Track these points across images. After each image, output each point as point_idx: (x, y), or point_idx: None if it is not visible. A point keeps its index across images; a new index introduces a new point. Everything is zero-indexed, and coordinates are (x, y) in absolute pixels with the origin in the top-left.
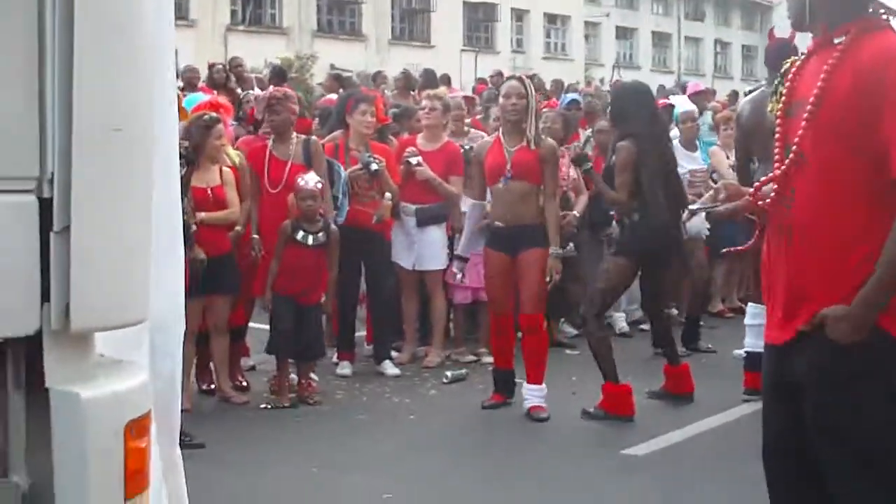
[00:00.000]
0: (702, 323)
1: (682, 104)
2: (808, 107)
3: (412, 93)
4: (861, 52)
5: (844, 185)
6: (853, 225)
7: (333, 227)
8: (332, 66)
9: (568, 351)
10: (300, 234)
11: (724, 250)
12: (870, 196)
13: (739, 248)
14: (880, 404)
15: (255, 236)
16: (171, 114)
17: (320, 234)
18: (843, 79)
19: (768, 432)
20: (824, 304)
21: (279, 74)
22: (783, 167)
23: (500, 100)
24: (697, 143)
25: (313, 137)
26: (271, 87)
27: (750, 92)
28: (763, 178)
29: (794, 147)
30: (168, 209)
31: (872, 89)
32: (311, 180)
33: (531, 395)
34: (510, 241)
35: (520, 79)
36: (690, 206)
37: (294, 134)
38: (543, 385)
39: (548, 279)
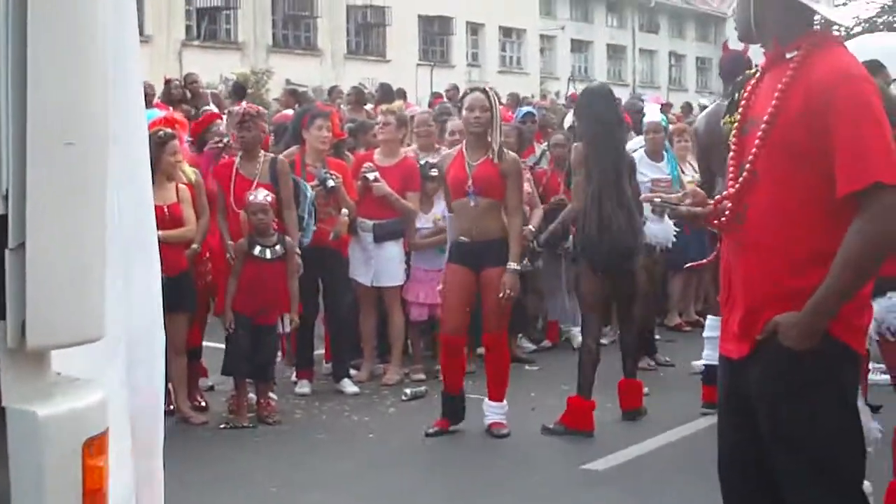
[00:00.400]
0: (657, 336)
1: (649, 114)
2: (762, 125)
3: (367, 107)
4: (812, 70)
5: (797, 202)
6: (807, 242)
7: (289, 238)
8: (288, 81)
9: (527, 367)
10: (257, 250)
11: (687, 265)
12: (822, 212)
13: (700, 262)
14: (833, 411)
15: (230, 242)
16: (139, 123)
17: (278, 247)
18: (795, 98)
19: (724, 444)
20: None
21: (239, 90)
22: (737, 185)
23: (464, 112)
24: (664, 153)
25: (280, 157)
26: (244, 104)
27: (705, 107)
28: (718, 196)
29: (748, 165)
30: (139, 219)
31: (822, 109)
32: (259, 194)
33: (492, 412)
34: (474, 257)
35: (484, 91)
36: (654, 199)
37: (262, 153)
38: (505, 402)
39: (502, 295)
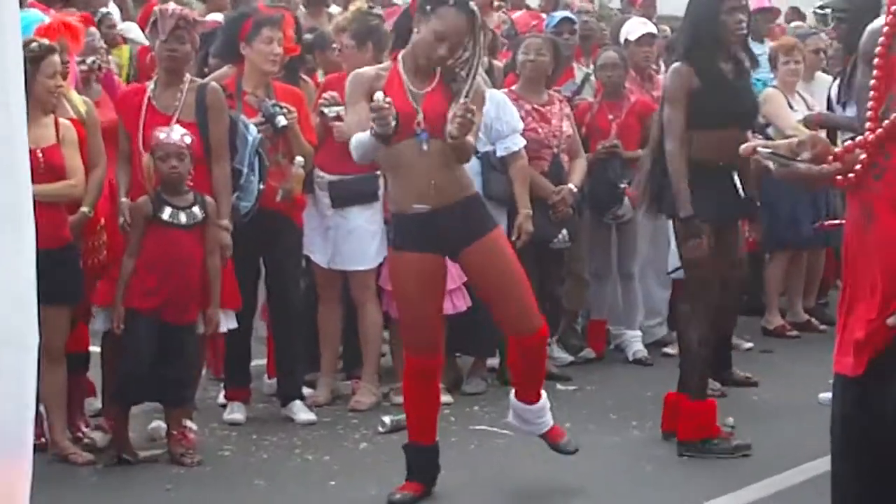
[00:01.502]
0: (749, 344)
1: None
2: None
3: (332, 10)
4: None
5: None
6: None
7: (209, 199)
8: None
9: (560, 385)
10: (167, 213)
11: (817, 224)
12: None
13: (834, 222)
14: None
15: (124, 199)
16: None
17: (195, 209)
18: None
19: (845, 500)
20: None
21: None
22: (878, 127)
23: (430, 35)
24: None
25: (212, 83)
26: (172, 5)
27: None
28: (848, 143)
29: None
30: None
31: None
32: (174, 132)
33: (532, 417)
34: (441, 232)
35: (472, 12)
36: (759, 148)
37: (187, 77)
38: (544, 398)
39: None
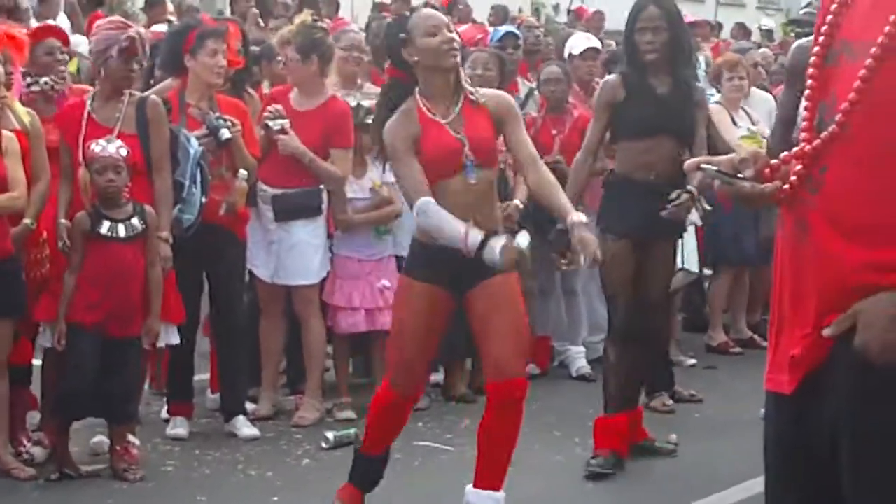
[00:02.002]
0: (692, 361)
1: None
2: (871, 52)
3: (278, 23)
4: None
5: None
6: None
7: (149, 207)
8: None
9: None
10: (105, 226)
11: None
12: None
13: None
14: None
15: (63, 220)
16: None
17: (134, 220)
18: None
19: None
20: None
21: None
22: (814, 139)
23: (427, 40)
24: None
25: (152, 97)
26: (137, 26)
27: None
28: (785, 154)
29: (839, 116)
30: None
31: None
32: (110, 145)
33: None
34: (462, 269)
35: (430, 5)
36: (703, 164)
37: (127, 92)
38: (503, 493)
39: (565, 262)
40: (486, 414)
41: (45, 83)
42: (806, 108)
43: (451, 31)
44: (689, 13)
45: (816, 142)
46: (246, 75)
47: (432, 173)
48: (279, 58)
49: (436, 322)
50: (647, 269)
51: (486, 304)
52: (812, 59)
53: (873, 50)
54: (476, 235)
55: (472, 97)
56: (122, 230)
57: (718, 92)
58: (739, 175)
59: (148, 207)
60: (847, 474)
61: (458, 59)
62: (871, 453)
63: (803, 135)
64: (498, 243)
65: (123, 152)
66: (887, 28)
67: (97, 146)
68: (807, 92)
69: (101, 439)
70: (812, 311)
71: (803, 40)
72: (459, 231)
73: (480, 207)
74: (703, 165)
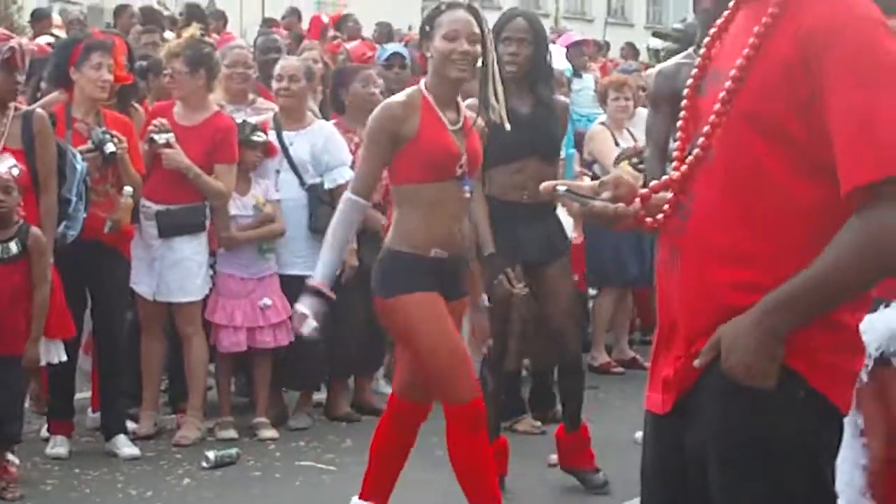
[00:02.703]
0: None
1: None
2: (727, 83)
3: (166, 36)
4: (805, 7)
5: (762, 199)
6: (769, 253)
7: (34, 229)
8: None
9: None
10: None
11: None
12: (798, 215)
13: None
14: (804, 493)
15: None
16: None
17: (13, 243)
18: (778, 46)
19: None
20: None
21: None
22: (683, 166)
23: (442, 43)
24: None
25: (38, 110)
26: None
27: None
28: (654, 184)
29: (701, 139)
30: None
31: (815, 64)
32: (2, 164)
33: None
34: (449, 280)
35: (471, 9)
36: (559, 187)
37: (12, 104)
38: None
39: (483, 349)
40: (450, 447)
41: None
42: (679, 139)
43: (472, 44)
44: (578, 31)
45: (684, 168)
46: (132, 90)
47: (427, 169)
48: (166, 71)
49: (450, 321)
50: (544, 293)
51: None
52: (686, 90)
53: (732, 72)
54: (317, 277)
55: (469, 116)
56: None
57: (605, 112)
58: (597, 197)
59: (34, 229)
60: (715, 499)
61: (466, 74)
62: (733, 478)
63: (675, 164)
64: (303, 305)
65: (15, 172)
66: (745, 51)
67: None
68: (679, 122)
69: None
70: (683, 334)
71: (665, 65)
72: (334, 253)
73: (462, 220)
74: (557, 187)
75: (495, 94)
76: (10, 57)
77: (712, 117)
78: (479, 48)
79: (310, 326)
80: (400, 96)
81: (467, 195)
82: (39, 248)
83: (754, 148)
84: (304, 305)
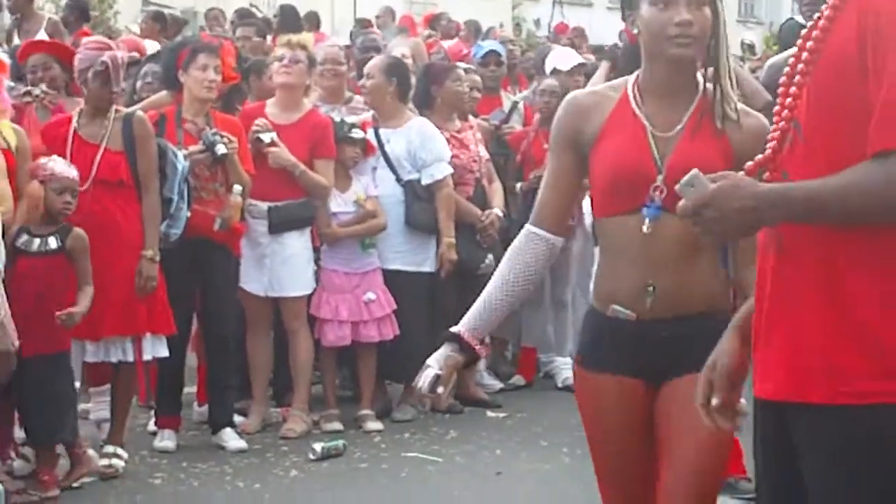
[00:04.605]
0: None
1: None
2: (804, 57)
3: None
4: None
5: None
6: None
7: (77, 230)
8: (147, 1)
9: (490, 412)
10: (22, 240)
11: None
12: None
13: None
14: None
15: None
16: None
17: (52, 239)
18: (846, 21)
19: None
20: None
21: (79, 11)
22: (776, 146)
23: (652, 10)
24: None
25: (138, 113)
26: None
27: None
28: (750, 164)
29: (786, 112)
30: None
31: (878, 34)
32: (70, 168)
33: None
34: (653, 351)
35: None
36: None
37: (113, 108)
38: None
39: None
40: None
41: (38, 95)
42: (774, 123)
43: (697, 7)
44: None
45: (773, 144)
46: (237, 92)
47: (602, 198)
48: (274, 68)
49: (629, 419)
50: None
51: (670, 407)
52: (783, 78)
53: (809, 45)
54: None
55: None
56: (35, 245)
57: None
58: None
59: (76, 230)
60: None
61: (689, 51)
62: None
63: (771, 142)
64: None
65: (75, 174)
66: (821, 22)
67: (55, 164)
68: (776, 108)
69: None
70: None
71: (776, 58)
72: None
73: (661, 269)
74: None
75: (730, 83)
76: (104, 70)
77: (793, 89)
78: (708, 13)
79: (428, 379)
80: (600, 87)
81: (645, 229)
82: (82, 247)
83: (835, 127)
84: (436, 357)
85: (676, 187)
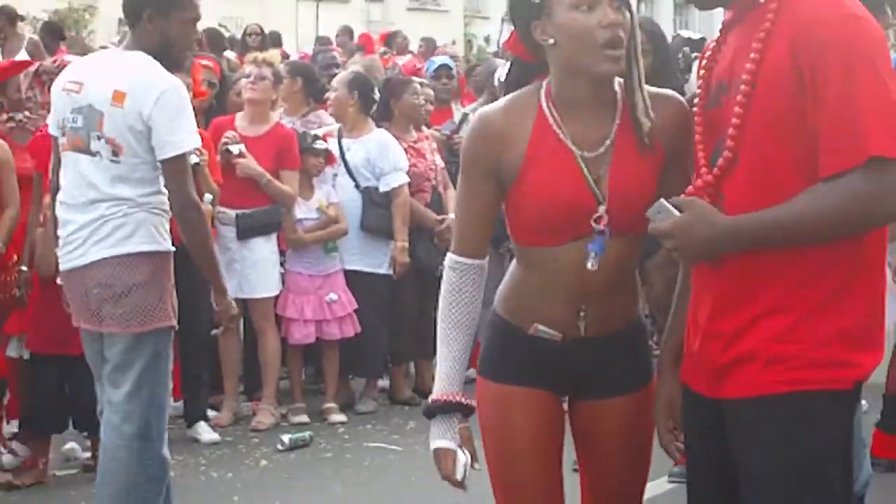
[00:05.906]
0: None
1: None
2: (741, 87)
3: (227, 55)
4: (799, 10)
5: (784, 195)
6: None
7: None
8: (121, 21)
9: None
10: None
11: None
12: None
13: None
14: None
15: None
16: None
17: None
18: (777, 49)
19: None
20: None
21: (54, 32)
22: (712, 171)
23: (572, 15)
24: None
25: None
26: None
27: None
28: (690, 188)
29: (728, 142)
30: None
31: (812, 61)
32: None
33: None
34: (575, 368)
35: None
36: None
37: None
38: None
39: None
40: None
41: (20, 120)
42: (698, 150)
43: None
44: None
45: (715, 170)
46: (209, 107)
47: (527, 231)
48: (241, 83)
49: (545, 434)
50: None
51: (603, 429)
52: (695, 109)
53: (745, 77)
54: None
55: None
56: None
57: None
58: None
59: None
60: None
61: (618, 65)
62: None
63: (701, 171)
64: (444, 440)
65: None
66: (752, 55)
67: None
68: (696, 136)
69: (73, 446)
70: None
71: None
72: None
73: (595, 298)
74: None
75: (643, 101)
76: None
77: (734, 120)
78: (628, 17)
79: (461, 464)
80: (501, 104)
81: (590, 265)
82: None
83: (773, 147)
84: (445, 437)
85: (647, 213)
